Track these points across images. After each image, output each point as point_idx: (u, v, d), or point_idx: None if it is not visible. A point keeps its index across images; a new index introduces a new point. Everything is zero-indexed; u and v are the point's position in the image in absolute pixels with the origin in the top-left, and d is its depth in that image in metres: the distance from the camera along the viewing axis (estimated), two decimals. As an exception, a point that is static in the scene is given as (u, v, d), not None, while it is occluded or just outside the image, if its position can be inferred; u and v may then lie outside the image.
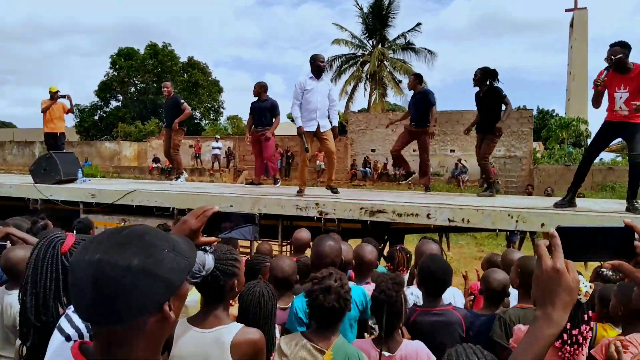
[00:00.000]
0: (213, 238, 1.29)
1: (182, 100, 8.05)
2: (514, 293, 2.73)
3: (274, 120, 7.46)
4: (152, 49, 35.58)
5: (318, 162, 21.90)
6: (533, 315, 2.31)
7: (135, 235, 0.87)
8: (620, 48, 4.51)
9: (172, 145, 7.98)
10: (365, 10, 30.35)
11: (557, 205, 4.81)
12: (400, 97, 30.82)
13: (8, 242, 2.79)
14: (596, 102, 4.75)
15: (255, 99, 7.53)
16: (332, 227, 5.19)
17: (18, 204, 6.81)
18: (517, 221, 4.37)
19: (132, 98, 36.14)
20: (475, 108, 6.31)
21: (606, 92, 4.66)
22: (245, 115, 35.19)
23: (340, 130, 24.81)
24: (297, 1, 78.90)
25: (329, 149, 5.89)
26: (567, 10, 37.76)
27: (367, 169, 21.04)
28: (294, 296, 2.52)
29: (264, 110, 7.44)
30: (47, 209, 6.64)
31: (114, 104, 37.77)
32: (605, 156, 28.74)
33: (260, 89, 7.45)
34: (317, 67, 5.72)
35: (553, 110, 41.87)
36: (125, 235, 0.86)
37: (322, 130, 5.80)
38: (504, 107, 5.95)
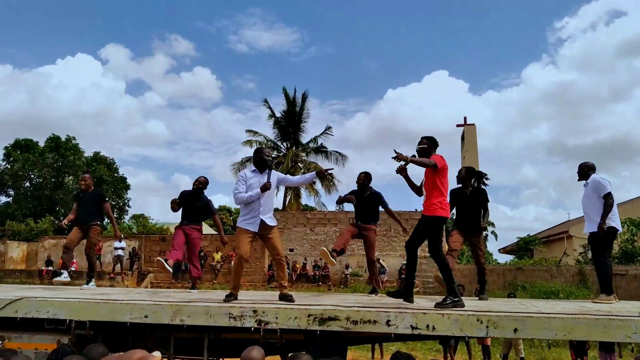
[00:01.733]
0: None
1: (107, 198, 7.31)
2: None
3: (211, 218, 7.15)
4: (54, 141, 33.44)
5: (233, 263, 20.69)
6: None
7: None
8: (426, 140, 4.93)
9: (89, 244, 7.04)
10: (277, 114, 31.26)
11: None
12: (313, 198, 31.03)
13: None
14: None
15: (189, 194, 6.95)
16: (272, 339, 4.37)
17: None
18: (487, 327, 3.89)
19: (25, 193, 33.03)
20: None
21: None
22: (153, 215, 33.38)
23: (256, 230, 24.08)
24: (208, 106, 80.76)
25: (274, 247, 5.20)
26: (458, 125, 41.30)
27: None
28: None
29: (199, 207, 6.88)
30: None
31: (3, 199, 34.30)
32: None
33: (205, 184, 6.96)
34: (262, 160, 5.23)
35: (453, 215, 44.35)
36: None
37: (265, 228, 5.16)
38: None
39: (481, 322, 3.89)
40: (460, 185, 6.22)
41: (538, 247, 25.68)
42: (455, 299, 4.49)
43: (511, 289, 17.57)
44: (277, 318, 4.28)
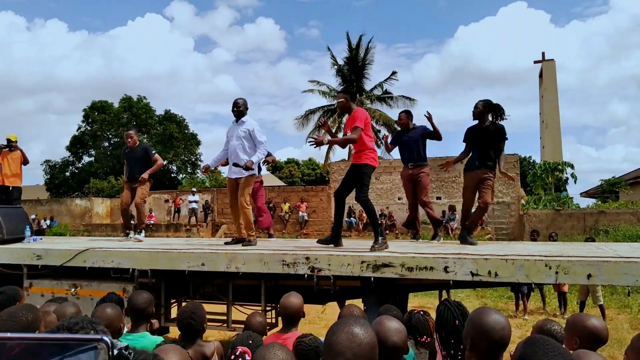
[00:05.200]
0: None
1: (154, 151, 7.26)
2: None
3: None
4: (127, 102, 34.94)
5: (300, 213, 20.99)
6: None
7: None
8: (342, 94, 5.09)
9: (138, 198, 7.09)
10: (340, 62, 30.55)
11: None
12: (380, 147, 30.49)
13: None
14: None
15: None
16: (326, 285, 4.29)
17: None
18: (557, 272, 3.55)
19: (105, 152, 35.10)
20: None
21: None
22: (225, 169, 34.36)
23: (323, 180, 24.11)
24: (274, 59, 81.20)
25: (237, 198, 5.61)
26: (535, 62, 38.47)
27: (352, 218, 20.16)
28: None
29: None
30: (-16, 274, 5.58)
31: (86, 159, 36.65)
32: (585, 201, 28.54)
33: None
34: (232, 112, 5.69)
35: (530, 157, 42.12)
36: None
37: (233, 176, 5.65)
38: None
39: (550, 268, 3.55)
40: (477, 122, 5.50)
41: (624, 190, 23.82)
42: (384, 239, 4.76)
43: (592, 233, 16.54)
44: (329, 265, 4.17)
